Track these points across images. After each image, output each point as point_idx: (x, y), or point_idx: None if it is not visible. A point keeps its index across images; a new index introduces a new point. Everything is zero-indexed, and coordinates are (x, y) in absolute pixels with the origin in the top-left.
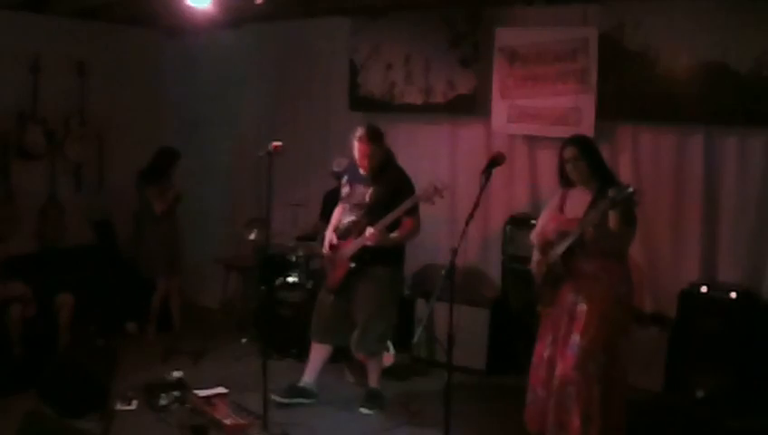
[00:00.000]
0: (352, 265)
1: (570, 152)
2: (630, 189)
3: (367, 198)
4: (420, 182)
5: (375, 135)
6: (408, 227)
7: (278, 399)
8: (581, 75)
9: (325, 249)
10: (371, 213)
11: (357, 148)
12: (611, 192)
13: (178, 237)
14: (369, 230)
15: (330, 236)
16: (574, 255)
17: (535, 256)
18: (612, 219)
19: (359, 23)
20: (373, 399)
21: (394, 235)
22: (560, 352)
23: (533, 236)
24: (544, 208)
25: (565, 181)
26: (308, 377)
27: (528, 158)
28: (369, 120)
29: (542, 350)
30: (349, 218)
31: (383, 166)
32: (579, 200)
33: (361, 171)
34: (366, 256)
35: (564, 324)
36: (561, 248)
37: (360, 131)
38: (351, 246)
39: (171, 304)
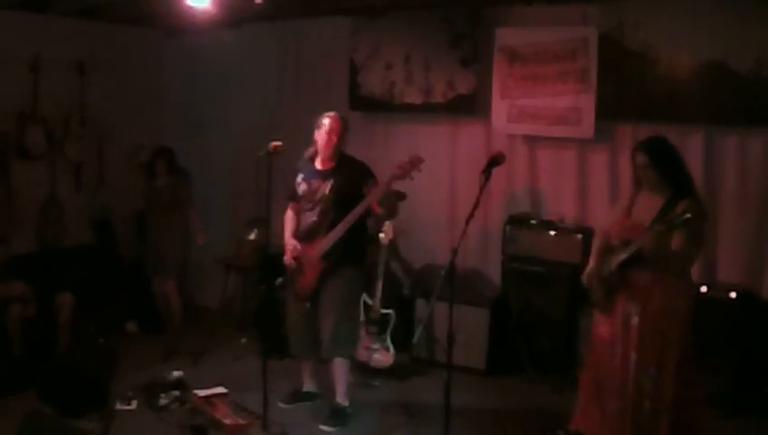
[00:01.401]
0: (325, 264)
1: (640, 159)
2: (687, 216)
3: (327, 192)
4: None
5: (345, 120)
6: (375, 195)
7: (282, 405)
8: (581, 75)
9: (287, 259)
10: (335, 206)
11: (327, 125)
12: (680, 210)
13: (174, 239)
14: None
15: (291, 242)
16: (631, 266)
17: (591, 262)
18: (676, 239)
19: (359, 22)
20: (337, 416)
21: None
22: (619, 365)
23: (596, 236)
24: (614, 206)
25: (637, 184)
26: (307, 384)
27: (528, 158)
28: (367, 120)
29: (599, 358)
30: (311, 219)
31: (339, 158)
32: (648, 205)
33: (317, 165)
34: (336, 255)
35: (620, 337)
36: (620, 258)
37: (333, 112)
38: (322, 245)
39: (171, 305)
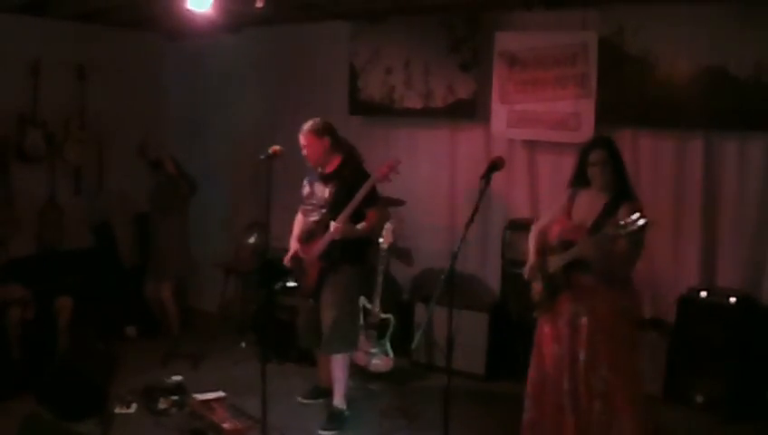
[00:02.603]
0: (323, 263)
1: (598, 155)
2: (642, 222)
3: (326, 195)
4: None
5: (315, 128)
6: (373, 219)
7: (302, 400)
8: (581, 80)
9: (286, 260)
10: (333, 210)
11: (301, 142)
12: (624, 215)
13: (173, 243)
14: (334, 224)
15: (293, 245)
16: (574, 268)
17: (531, 258)
18: (620, 244)
19: (358, 27)
20: (335, 419)
21: (360, 226)
22: (566, 365)
23: (533, 235)
24: (551, 206)
25: (579, 182)
26: (326, 380)
27: (527, 162)
28: (366, 124)
29: (540, 362)
30: (311, 219)
31: (343, 163)
32: (589, 205)
33: (319, 170)
34: (335, 254)
35: (567, 339)
36: (560, 262)
37: (303, 128)
38: (319, 246)
39: (167, 309)
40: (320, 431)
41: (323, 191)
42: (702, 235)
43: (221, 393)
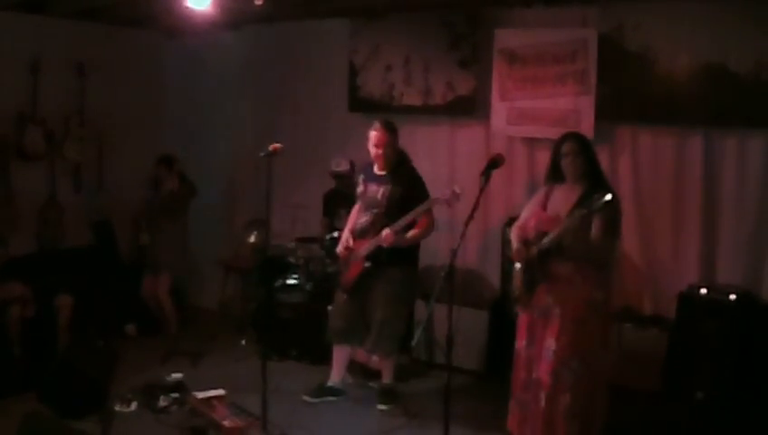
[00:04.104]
0: (367, 264)
1: (570, 147)
2: (608, 197)
3: (380, 197)
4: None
5: (390, 126)
6: (424, 226)
7: (308, 399)
8: (581, 77)
9: (340, 250)
10: (386, 211)
11: (372, 136)
12: (594, 198)
13: (169, 239)
14: (386, 231)
15: (346, 236)
16: (550, 256)
17: (514, 245)
18: (595, 227)
19: (358, 24)
20: (388, 394)
21: (410, 234)
22: (536, 354)
23: (513, 230)
24: (528, 203)
25: (553, 177)
26: (335, 377)
27: (527, 159)
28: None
29: (520, 352)
30: (364, 218)
31: (397, 164)
32: (563, 198)
33: (376, 170)
34: (382, 257)
35: (539, 327)
36: (538, 249)
37: (376, 123)
38: (367, 246)
39: (163, 306)
40: (378, 406)
41: (378, 191)
42: (702, 231)
43: (221, 391)
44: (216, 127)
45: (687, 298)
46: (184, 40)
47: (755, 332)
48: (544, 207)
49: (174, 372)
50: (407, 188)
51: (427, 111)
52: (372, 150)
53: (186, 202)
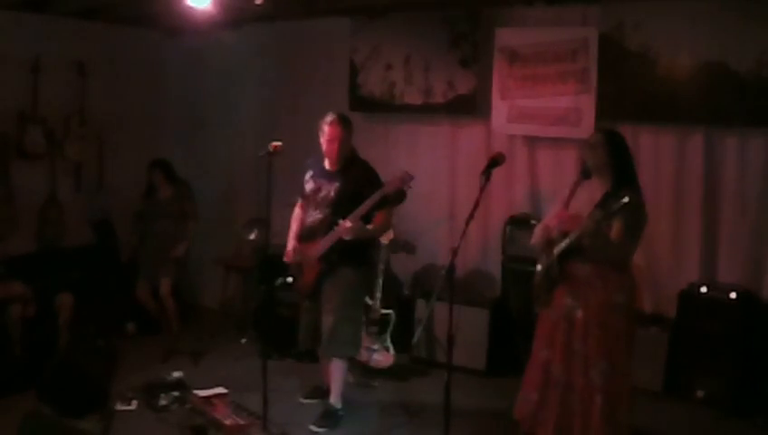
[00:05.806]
0: (323, 265)
1: (594, 137)
2: (625, 200)
3: (332, 194)
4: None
5: (346, 120)
6: (380, 222)
7: (303, 400)
8: (581, 75)
9: (287, 258)
10: (337, 209)
11: (326, 132)
12: (612, 200)
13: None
14: (345, 223)
15: (291, 244)
16: (570, 258)
17: (537, 243)
18: (615, 228)
19: (358, 23)
20: (328, 417)
21: (369, 227)
22: (560, 358)
23: (537, 229)
24: (554, 202)
25: (583, 172)
26: (327, 380)
27: (528, 158)
28: (367, 120)
29: (539, 352)
30: (313, 217)
31: (349, 160)
32: (588, 195)
33: (326, 166)
34: (333, 257)
35: (563, 330)
36: (557, 250)
37: (330, 116)
38: (321, 246)
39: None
40: (311, 427)
41: (330, 188)
42: (702, 230)
43: (222, 390)
44: (217, 126)
45: (688, 297)
46: (184, 39)
47: (756, 330)
48: (567, 204)
49: (175, 370)
50: (360, 183)
51: (428, 110)
52: (325, 145)
53: (191, 206)
